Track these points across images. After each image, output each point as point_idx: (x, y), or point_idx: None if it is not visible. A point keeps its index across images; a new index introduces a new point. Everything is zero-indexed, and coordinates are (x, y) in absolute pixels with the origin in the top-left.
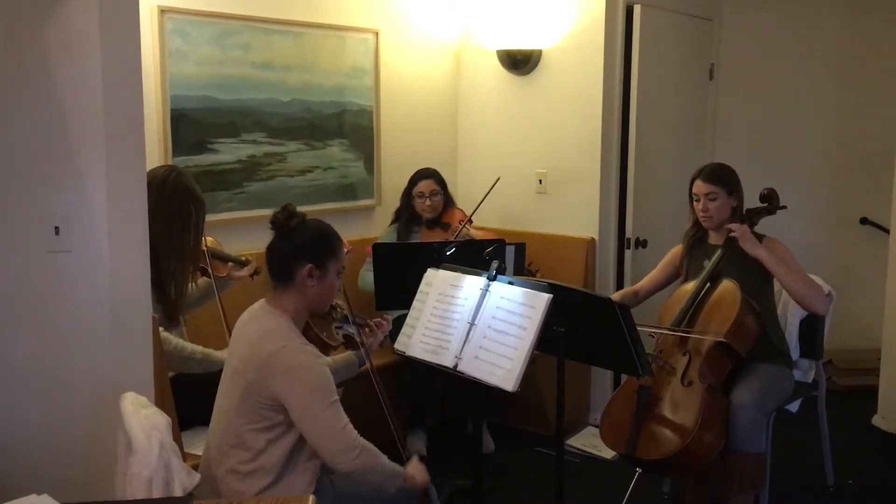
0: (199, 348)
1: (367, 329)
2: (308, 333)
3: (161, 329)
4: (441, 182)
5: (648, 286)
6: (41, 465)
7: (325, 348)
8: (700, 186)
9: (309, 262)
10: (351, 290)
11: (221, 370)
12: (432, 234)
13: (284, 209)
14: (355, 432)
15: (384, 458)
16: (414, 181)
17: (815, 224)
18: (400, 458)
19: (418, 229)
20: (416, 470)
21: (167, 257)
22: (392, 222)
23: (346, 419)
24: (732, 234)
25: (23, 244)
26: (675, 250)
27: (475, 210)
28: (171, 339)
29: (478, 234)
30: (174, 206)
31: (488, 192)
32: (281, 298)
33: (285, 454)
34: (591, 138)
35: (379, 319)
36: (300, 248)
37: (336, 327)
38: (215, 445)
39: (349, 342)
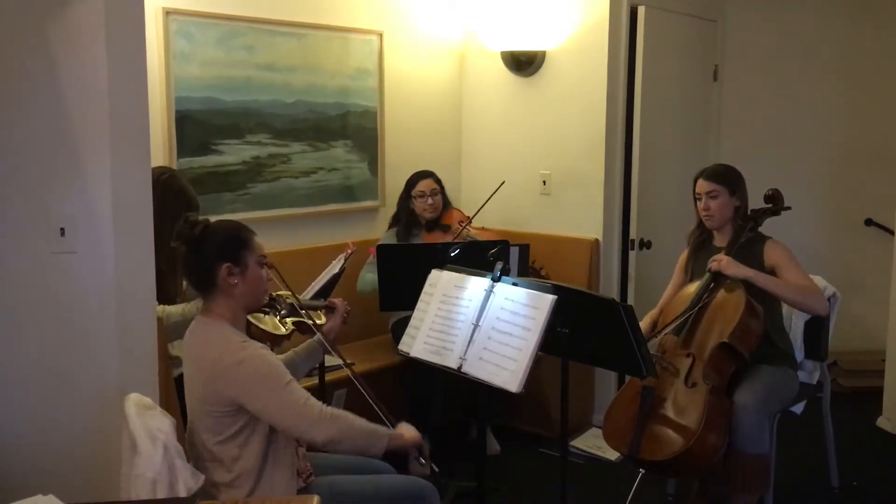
0: (195, 303)
1: (322, 311)
2: (252, 332)
3: (160, 306)
4: (439, 182)
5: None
6: (46, 466)
7: (277, 340)
8: (702, 185)
9: (225, 262)
10: (353, 286)
11: None
12: (432, 236)
13: (185, 220)
14: (320, 403)
15: (361, 421)
16: (413, 182)
17: (819, 225)
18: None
19: (418, 232)
20: (404, 429)
21: (158, 259)
22: (389, 227)
23: (306, 394)
24: (713, 267)
25: (28, 245)
26: (683, 256)
27: (477, 212)
28: (173, 312)
29: (479, 235)
30: (163, 207)
31: (493, 194)
32: (213, 307)
33: (260, 455)
34: (595, 140)
35: (332, 299)
36: (211, 251)
37: (283, 317)
38: (194, 462)
39: (303, 329)
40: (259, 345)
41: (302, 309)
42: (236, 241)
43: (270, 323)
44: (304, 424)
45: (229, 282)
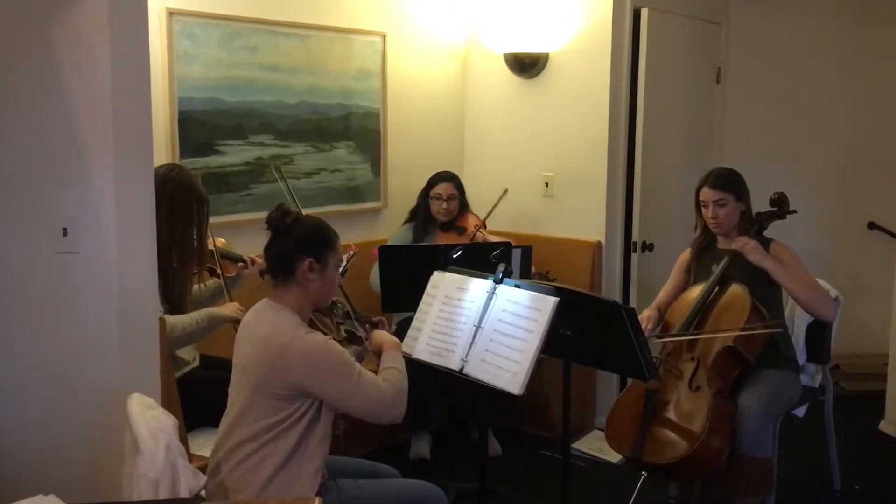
0: (197, 315)
1: (367, 325)
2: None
3: (164, 315)
4: (459, 187)
5: (667, 299)
6: (48, 466)
7: None
8: (708, 193)
9: (309, 257)
10: (355, 288)
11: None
12: (447, 237)
13: (279, 208)
14: (383, 384)
15: (401, 375)
16: (433, 182)
17: (822, 228)
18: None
19: (433, 231)
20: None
21: (169, 256)
22: (406, 221)
23: (372, 377)
24: (736, 248)
25: (31, 245)
26: (683, 256)
27: (488, 215)
28: (176, 323)
29: (494, 239)
30: (174, 205)
31: (496, 204)
32: (283, 295)
33: (292, 446)
34: (597, 142)
35: (381, 318)
36: (299, 243)
37: (338, 323)
38: (227, 443)
39: (351, 338)
40: (324, 336)
41: (357, 319)
42: (324, 240)
43: (328, 325)
44: (380, 410)
45: (308, 276)
